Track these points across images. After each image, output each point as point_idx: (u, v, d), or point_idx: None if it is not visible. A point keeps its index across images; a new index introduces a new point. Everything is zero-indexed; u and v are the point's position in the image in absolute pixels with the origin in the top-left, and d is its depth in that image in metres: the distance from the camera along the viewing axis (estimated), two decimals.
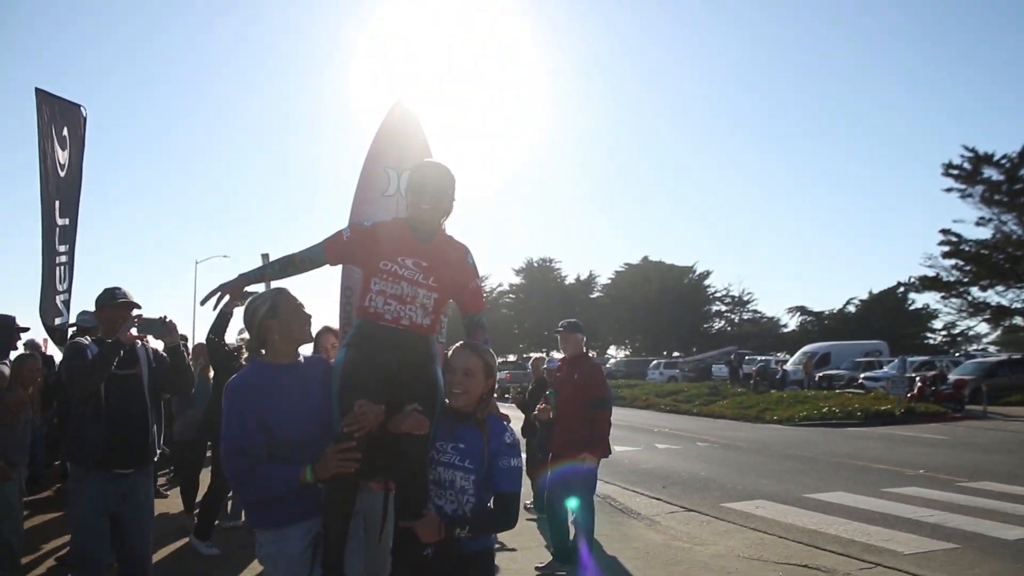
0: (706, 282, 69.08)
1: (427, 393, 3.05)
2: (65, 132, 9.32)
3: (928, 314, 55.58)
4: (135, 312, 4.53)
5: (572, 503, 6.41)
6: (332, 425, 3.01)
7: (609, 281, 73.77)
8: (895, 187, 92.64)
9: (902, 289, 54.24)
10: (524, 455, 9.09)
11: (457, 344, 3.10)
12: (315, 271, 3.35)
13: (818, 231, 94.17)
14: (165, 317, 4.58)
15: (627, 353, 71.18)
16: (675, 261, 69.29)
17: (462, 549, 2.91)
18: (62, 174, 9.23)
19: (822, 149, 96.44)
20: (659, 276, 67.16)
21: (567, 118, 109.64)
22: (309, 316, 3.18)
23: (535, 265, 73.78)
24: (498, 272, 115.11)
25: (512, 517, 2.93)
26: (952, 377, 25.66)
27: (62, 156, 9.47)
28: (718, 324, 69.56)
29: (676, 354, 58.68)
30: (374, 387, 3.00)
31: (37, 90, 8.95)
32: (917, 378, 24.72)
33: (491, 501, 2.97)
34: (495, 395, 3.21)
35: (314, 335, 3.89)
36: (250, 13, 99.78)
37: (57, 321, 8.76)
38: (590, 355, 7.21)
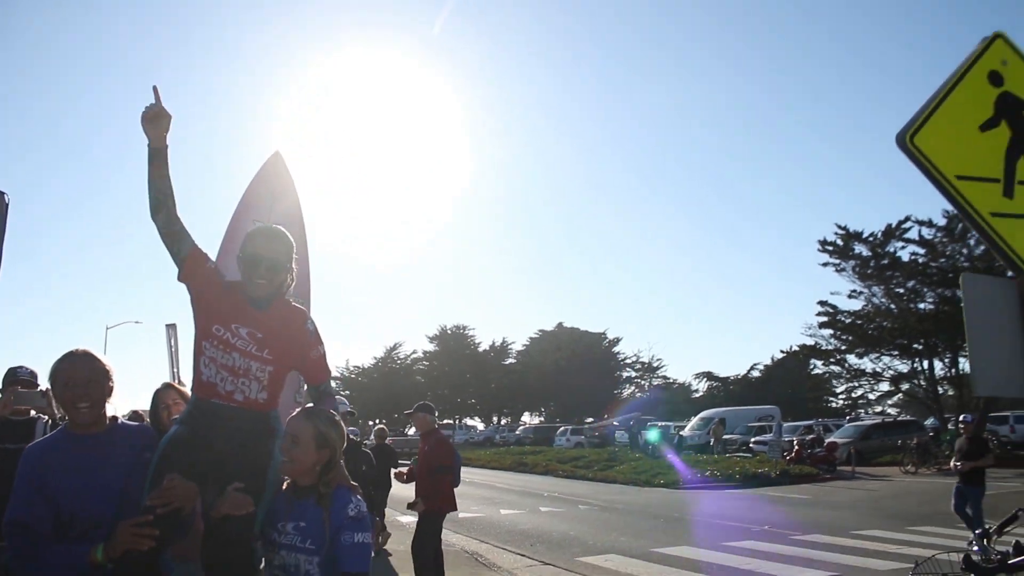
0: (616, 348, 70.82)
1: (257, 470, 2.87)
2: None
3: (827, 379, 58.31)
4: (15, 386, 4.58)
5: None
6: (139, 503, 2.79)
7: (524, 348, 74.89)
8: (784, 259, 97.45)
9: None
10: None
11: (297, 411, 2.88)
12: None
13: (724, 297, 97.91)
14: (46, 389, 4.45)
15: (541, 419, 72.00)
16: (588, 327, 71.03)
17: None
18: None
19: (725, 219, 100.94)
20: (571, 342, 68.53)
21: (481, 183, 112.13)
22: (83, 393, 2.89)
23: (448, 332, 74.43)
24: (412, 339, 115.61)
25: None
26: (827, 440, 27.37)
27: None
28: (628, 390, 71.14)
29: (590, 420, 59.82)
30: (195, 464, 2.84)
31: None
32: (795, 441, 26.36)
33: None
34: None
35: (155, 393, 3.89)
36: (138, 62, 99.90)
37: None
38: (440, 430, 8.45)
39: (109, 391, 2.99)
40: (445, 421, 71.48)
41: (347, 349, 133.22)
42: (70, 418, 2.94)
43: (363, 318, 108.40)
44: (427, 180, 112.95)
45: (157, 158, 2.99)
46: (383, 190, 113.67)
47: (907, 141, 3.32)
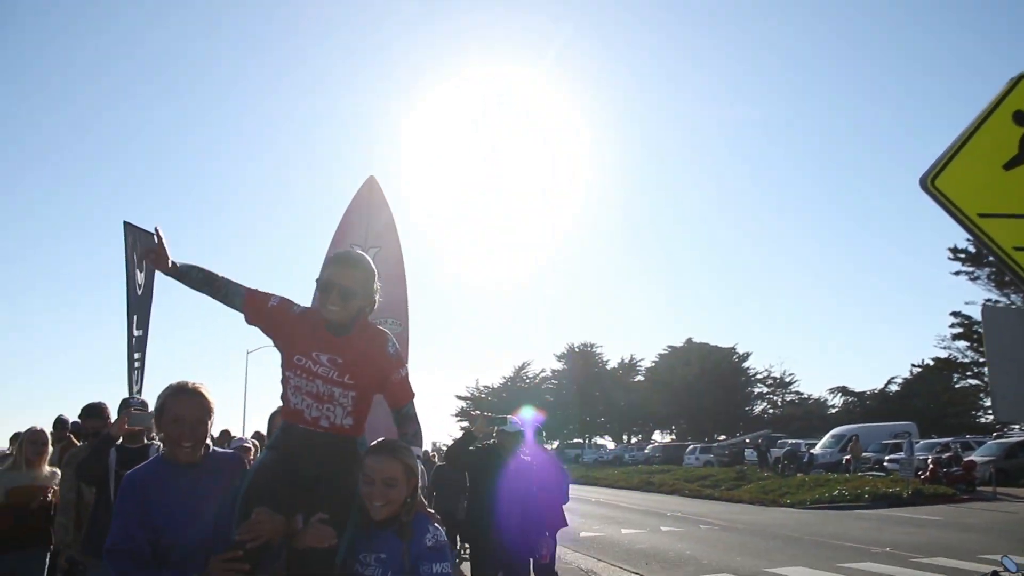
0: (746, 363, 69.39)
1: (342, 500, 2.86)
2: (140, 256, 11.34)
3: (972, 392, 55.31)
4: (131, 408, 5.05)
5: None
6: (230, 532, 2.82)
7: (652, 364, 74.56)
8: (914, 268, 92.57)
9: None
10: None
11: (372, 447, 2.86)
12: None
13: (856, 308, 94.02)
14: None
15: (672, 437, 71.41)
16: (718, 342, 69.94)
17: None
18: (139, 292, 11.18)
19: (854, 228, 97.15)
20: (700, 358, 67.75)
21: (608, 200, 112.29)
22: (194, 433, 2.98)
23: (576, 350, 75.10)
24: (540, 358, 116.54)
25: None
26: (966, 458, 26.27)
27: (140, 278, 11.47)
28: (760, 406, 69.57)
29: (722, 437, 58.96)
30: (282, 493, 2.88)
31: (125, 223, 10.91)
32: (929, 459, 25.48)
33: None
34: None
35: (270, 416, 4.11)
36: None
37: (134, 402, 10.50)
38: (545, 450, 9.05)
39: (210, 428, 3.08)
40: (574, 440, 72.16)
41: (477, 369, 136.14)
42: (173, 453, 3.00)
43: (492, 338, 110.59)
44: (551, 195, 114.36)
45: (175, 276, 3.16)
46: (507, 207, 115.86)
47: (929, 184, 3.76)
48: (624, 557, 13.20)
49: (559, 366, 76.28)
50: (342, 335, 3.05)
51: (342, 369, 2.99)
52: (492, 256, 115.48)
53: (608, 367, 74.81)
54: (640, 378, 74.29)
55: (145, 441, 5.10)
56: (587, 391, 71.50)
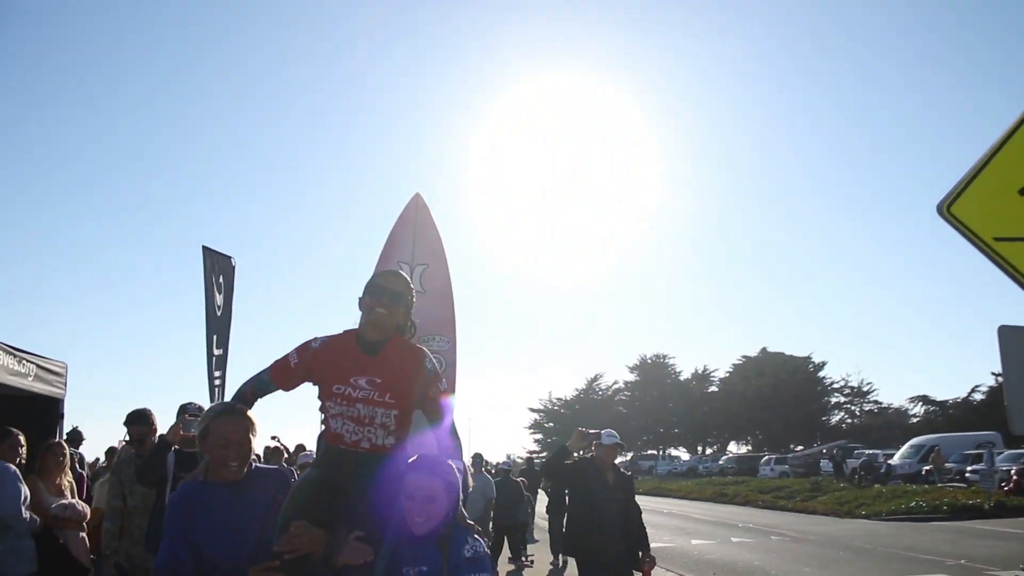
0: (822, 373, 67.90)
1: (372, 517, 2.93)
2: (220, 279, 11.97)
3: None
4: (185, 415, 5.07)
5: None
6: (272, 546, 2.88)
7: (727, 375, 73.70)
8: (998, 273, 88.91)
9: None
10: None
11: (411, 464, 2.90)
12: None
13: (940, 315, 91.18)
14: None
15: (748, 448, 70.41)
16: (793, 352, 68.73)
17: None
18: (218, 314, 11.62)
19: (932, 230, 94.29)
20: (774, 368, 66.69)
21: (679, 206, 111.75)
22: (240, 454, 3.05)
23: (649, 362, 74.83)
24: (612, 369, 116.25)
25: None
26: None
27: (219, 299, 12.15)
28: (837, 416, 68.03)
29: (798, 448, 57.96)
30: (323, 509, 2.95)
31: (203, 247, 11.41)
32: (1013, 471, 24.81)
33: None
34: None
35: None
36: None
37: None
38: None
39: (254, 446, 3.15)
40: (648, 452, 71.80)
41: (549, 381, 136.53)
42: (217, 473, 3.03)
43: (564, 349, 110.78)
44: (621, 202, 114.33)
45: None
46: (577, 215, 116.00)
47: (945, 211, 4.07)
48: (692, 567, 13.44)
49: (631, 377, 76.12)
50: (376, 353, 3.11)
51: (382, 389, 3.04)
52: (562, 266, 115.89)
53: (681, 378, 74.29)
54: (714, 389, 73.47)
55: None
56: (660, 402, 71.16)
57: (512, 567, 13.53)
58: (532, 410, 79.94)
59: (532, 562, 14.16)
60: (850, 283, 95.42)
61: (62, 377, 7.38)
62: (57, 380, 7.24)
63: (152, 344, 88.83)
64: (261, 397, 3.26)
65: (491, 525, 12.26)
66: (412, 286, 3.30)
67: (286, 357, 3.20)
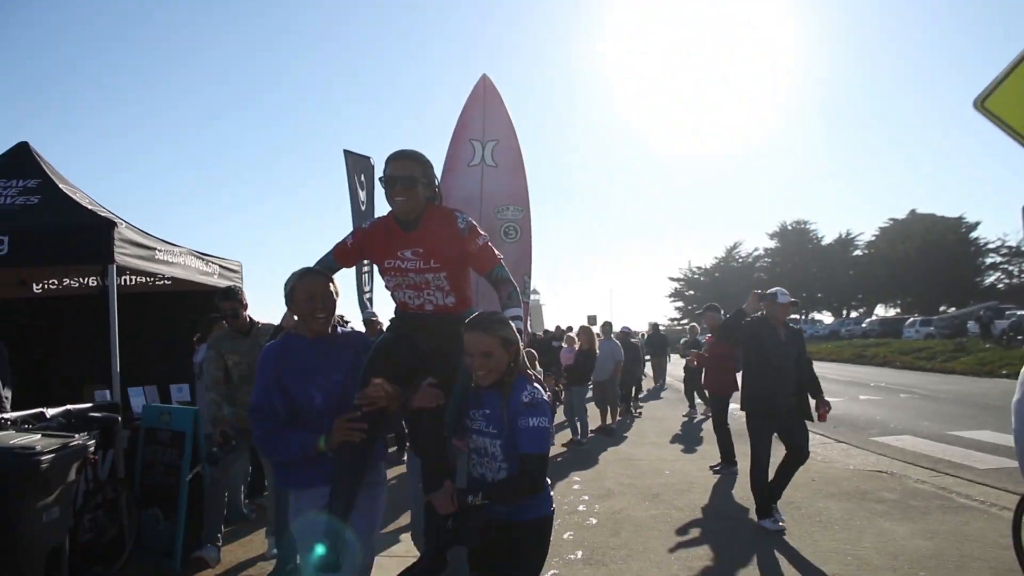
0: (975, 234, 64.24)
1: (450, 369, 3.12)
2: (363, 178, 12.88)
3: None
4: None
5: None
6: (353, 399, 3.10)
7: (873, 238, 71.21)
8: None
9: None
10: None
11: (467, 323, 3.00)
12: None
13: None
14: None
15: (897, 311, 68.51)
16: (944, 212, 65.33)
17: (504, 517, 2.88)
18: (363, 208, 12.79)
19: None
20: (923, 230, 63.79)
21: (817, 69, 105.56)
22: (325, 306, 3.27)
23: (789, 228, 73.27)
24: (751, 236, 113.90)
25: (534, 481, 2.82)
26: None
27: (362, 195, 13.38)
28: (992, 277, 64.65)
29: (951, 310, 56.05)
30: (398, 366, 3.20)
31: (344, 151, 12.65)
32: None
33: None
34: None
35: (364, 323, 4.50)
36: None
37: (365, 312, 12.11)
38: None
39: (336, 305, 3.35)
40: (792, 316, 71.04)
41: (687, 250, 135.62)
42: (308, 326, 3.28)
43: (701, 217, 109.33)
44: (761, 66, 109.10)
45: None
46: (717, 81, 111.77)
47: (979, 105, 4.74)
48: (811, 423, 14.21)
49: (772, 244, 74.91)
50: (415, 228, 3.31)
51: (425, 257, 3.25)
52: (700, 134, 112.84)
53: (823, 243, 72.41)
54: (858, 253, 71.23)
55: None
56: (802, 268, 69.94)
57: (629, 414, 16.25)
58: (672, 279, 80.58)
59: (640, 413, 16.94)
60: (1005, 139, 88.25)
61: (238, 274, 8.82)
62: (235, 276, 8.68)
63: (309, 243, 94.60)
64: (331, 275, 3.46)
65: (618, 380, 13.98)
66: (424, 157, 3.40)
67: (344, 240, 3.48)
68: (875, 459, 10.30)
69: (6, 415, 4.97)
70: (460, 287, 3.32)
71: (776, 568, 5.61)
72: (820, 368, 25.69)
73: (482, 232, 3.33)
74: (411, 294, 3.32)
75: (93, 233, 6.16)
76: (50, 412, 5.23)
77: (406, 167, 3.26)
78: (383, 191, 3.31)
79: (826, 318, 72.41)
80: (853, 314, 70.43)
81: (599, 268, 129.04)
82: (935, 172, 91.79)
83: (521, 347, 2.99)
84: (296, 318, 3.35)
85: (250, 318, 5.86)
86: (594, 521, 7.07)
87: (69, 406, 5.45)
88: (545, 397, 2.92)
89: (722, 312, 10.65)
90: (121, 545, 5.66)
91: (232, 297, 5.75)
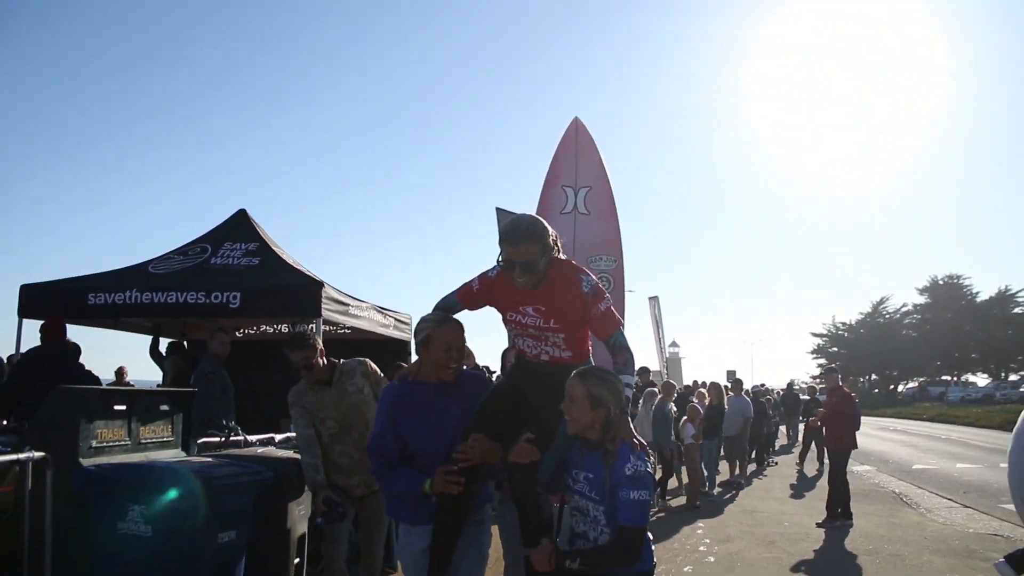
0: None
1: (552, 419, 3.09)
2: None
3: None
4: None
5: None
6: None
7: None
8: None
9: None
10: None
11: (575, 371, 3.01)
12: None
13: None
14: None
15: None
16: None
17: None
18: None
19: None
20: None
21: (971, 108, 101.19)
22: (459, 356, 3.37)
23: (940, 282, 70.34)
24: (899, 292, 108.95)
25: (631, 552, 2.83)
26: None
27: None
28: None
29: None
30: (504, 420, 3.29)
31: (496, 208, 10.82)
32: None
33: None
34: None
35: (503, 353, 4.61)
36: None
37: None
38: (843, 387, 11.31)
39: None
40: (944, 377, 68.15)
41: (833, 305, 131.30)
42: (438, 375, 3.39)
43: (847, 270, 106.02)
44: (907, 107, 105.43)
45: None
46: (860, 125, 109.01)
47: None
48: (945, 486, 14.42)
49: (921, 300, 72.06)
50: (538, 286, 3.27)
51: (546, 316, 3.26)
52: (847, 182, 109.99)
53: (978, 299, 69.03)
54: (1019, 311, 67.42)
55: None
56: (954, 326, 66.87)
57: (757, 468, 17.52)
58: (815, 335, 78.58)
59: (775, 463, 18.80)
60: None
61: (408, 325, 10.14)
62: (405, 328, 10.09)
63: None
64: (452, 314, 3.53)
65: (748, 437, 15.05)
66: (542, 225, 3.28)
67: (470, 283, 3.47)
68: (997, 524, 10.58)
69: (246, 436, 6.35)
70: (578, 345, 3.37)
71: None
72: (966, 433, 25.43)
73: (606, 296, 3.32)
74: (531, 343, 3.37)
75: (305, 292, 7.68)
76: (278, 437, 6.70)
77: (523, 252, 3.19)
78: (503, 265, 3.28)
79: (980, 380, 68.63)
80: (1013, 377, 66.48)
81: (740, 320, 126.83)
82: None
83: (613, 412, 2.91)
84: (421, 364, 3.48)
85: (329, 360, 4.79)
86: (712, 559, 8.08)
87: (288, 433, 6.57)
88: (649, 469, 2.90)
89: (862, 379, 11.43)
90: None
91: (302, 345, 4.66)
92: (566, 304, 3.24)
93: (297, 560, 4.90)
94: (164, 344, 9.67)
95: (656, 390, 12.77)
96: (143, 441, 4.71)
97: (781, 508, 11.93)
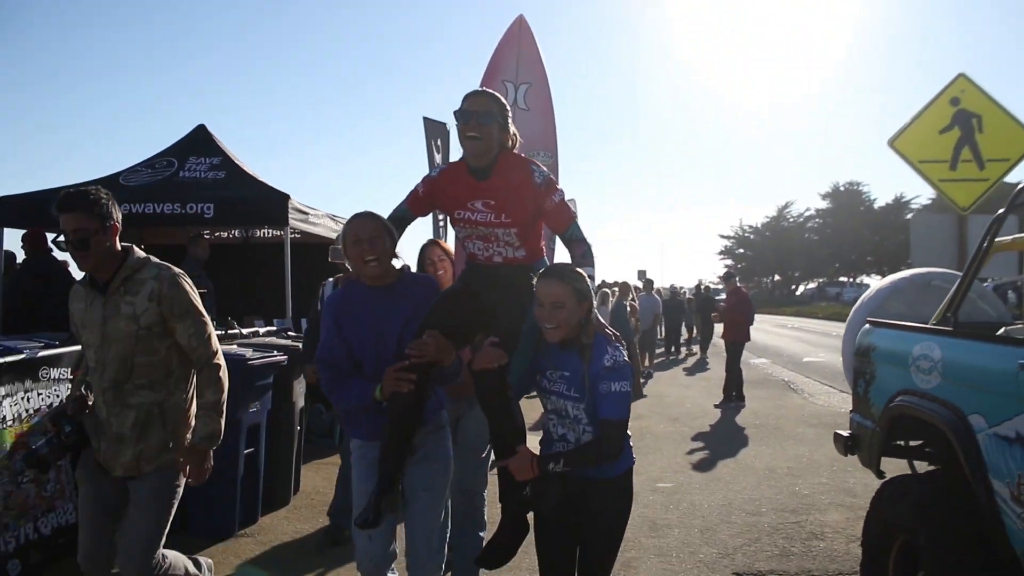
0: None
1: (516, 324, 2.98)
2: (439, 142, 15.08)
3: None
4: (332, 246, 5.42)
5: None
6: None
7: (929, 201, 71.33)
8: None
9: None
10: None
11: (541, 272, 2.89)
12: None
13: None
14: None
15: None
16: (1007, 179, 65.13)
17: (588, 477, 2.84)
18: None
19: None
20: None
21: (871, 29, 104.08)
22: (373, 249, 3.08)
23: (841, 189, 73.78)
24: (803, 197, 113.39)
25: (612, 445, 2.74)
26: None
27: (438, 158, 15.16)
28: None
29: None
30: (458, 320, 3.10)
31: (424, 118, 12.30)
32: None
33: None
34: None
35: (420, 249, 4.33)
36: None
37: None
38: (740, 289, 12.95)
39: (392, 246, 3.17)
40: (841, 279, 72.34)
41: (738, 206, 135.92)
42: (360, 272, 3.17)
43: (754, 173, 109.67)
44: (810, 25, 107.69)
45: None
46: (767, 39, 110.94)
47: (891, 144, 7.11)
48: (827, 375, 16.02)
49: (823, 205, 75.54)
50: (487, 177, 3.10)
51: (496, 210, 3.07)
52: (754, 90, 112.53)
53: (876, 205, 72.91)
54: (911, 217, 71.28)
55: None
56: (853, 230, 70.59)
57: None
58: (723, 237, 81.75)
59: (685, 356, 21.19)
60: None
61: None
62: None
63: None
64: (405, 225, 3.35)
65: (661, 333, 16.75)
66: (502, 98, 3.19)
67: (416, 188, 3.32)
68: None
69: (241, 328, 7.12)
70: (531, 242, 3.19)
71: (750, 462, 8.03)
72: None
73: (559, 188, 3.14)
74: (481, 245, 3.19)
75: (274, 203, 8.43)
76: (262, 330, 7.49)
77: (483, 103, 3.09)
78: (456, 131, 3.12)
79: (874, 281, 72.97)
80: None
81: (649, 220, 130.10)
82: None
83: (594, 304, 2.87)
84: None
85: (123, 248, 3.60)
86: None
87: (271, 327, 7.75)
88: (626, 359, 2.84)
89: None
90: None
91: (73, 206, 3.42)
92: (518, 196, 3.09)
93: (299, 428, 6.12)
94: None
95: (608, 291, 14.15)
96: None
97: (685, 393, 13.63)
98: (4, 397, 3.87)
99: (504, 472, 2.89)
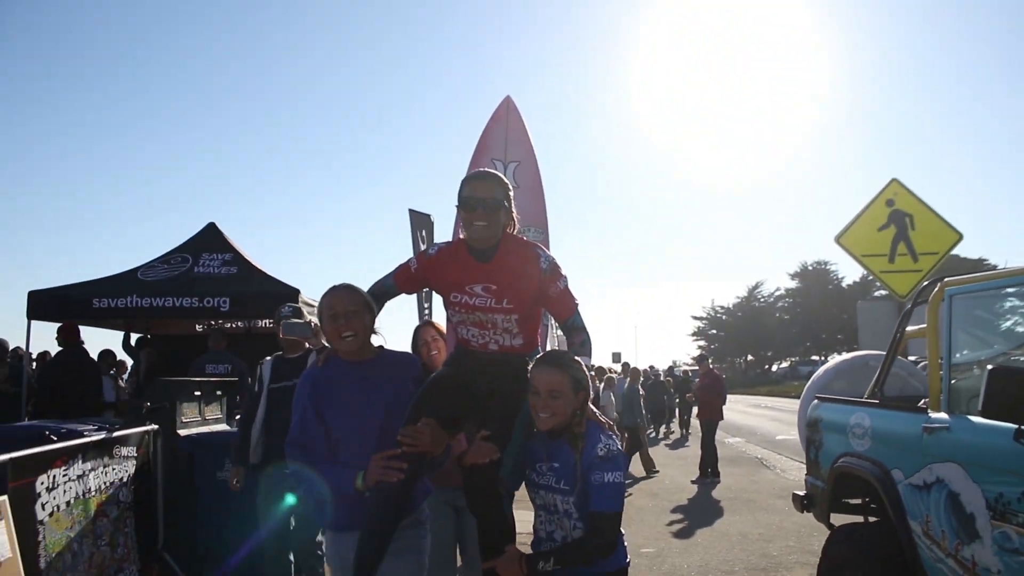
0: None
1: (510, 416, 2.84)
2: (423, 233, 15.83)
3: None
4: (283, 319, 5.32)
5: None
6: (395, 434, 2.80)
7: None
8: None
9: None
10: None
11: (537, 359, 2.78)
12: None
13: None
14: (314, 323, 4.67)
15: (914, 358, 70.20)
16: (968, 254, 67.22)
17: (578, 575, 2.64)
18: None
19: None
20: (946, 273, 65.38)
21: (840, 105, 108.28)
22: (349, 326, 2.95)
23: (810, 268, 75.71)
24: (773, 277, 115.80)
25: (606, 540, 2.59)
26: None
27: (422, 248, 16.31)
28: None
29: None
30: (452, 407, 2.94)
31: (409, 210, 12.89)
32: None
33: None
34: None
35: (414, 330, 4.22)
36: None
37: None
38: (712, 370, 13.78)
39: (371, 322, 3.03)
40: (813, 357, 73.64)
41: (712, 288, 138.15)
42: (337, 349, 3.04)
43: (724, 252, 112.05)
44: (781, 105, 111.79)
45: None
46: (737, 120, 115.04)
47: (837, 241, 8.08)
48: (800, 453, 16.42)
49: (792, 284, 77.29)
50: (490, 260, 2.96)
51: (498, 295, 2.93)
52: (722, 170, 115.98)
53: (844, 284, 74.81)
54: (879, 294, 73.37)
55: (307, 347, 5.21)
56: (823, 309, 72.16)
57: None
58: (695, 318, 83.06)
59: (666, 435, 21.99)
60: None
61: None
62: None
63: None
64: (387, 300, 3.20)
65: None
66: (504, 178, 3.09)
67: (408, 263, 3.16)
68: None
69: None
70: (530, 330, 3.06)
71: (725, 529, 8.71)
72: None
73: (563, 274, 2.99)
74: (476, 332, 3.03)
75: (285, 298, 8.66)
76: None
77: (489, 188, 2.94)
78: (460, 213, 3.00)
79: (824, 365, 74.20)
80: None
81: (619, 297, 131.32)
82: (963, 214, 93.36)
83: (590, 394, 2.80)
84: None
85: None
86: None
87: None
88: (620, 448, 2.74)
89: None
90: None
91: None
92: (521, 281, 2.93)
93: None
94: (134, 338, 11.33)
95: (614, 376, 14.96)
96: (207, 418, 6.41)
97: (663, 470, 14.28)
98: (90, 471, 4.54)
99: (491, 575, 2.68)
